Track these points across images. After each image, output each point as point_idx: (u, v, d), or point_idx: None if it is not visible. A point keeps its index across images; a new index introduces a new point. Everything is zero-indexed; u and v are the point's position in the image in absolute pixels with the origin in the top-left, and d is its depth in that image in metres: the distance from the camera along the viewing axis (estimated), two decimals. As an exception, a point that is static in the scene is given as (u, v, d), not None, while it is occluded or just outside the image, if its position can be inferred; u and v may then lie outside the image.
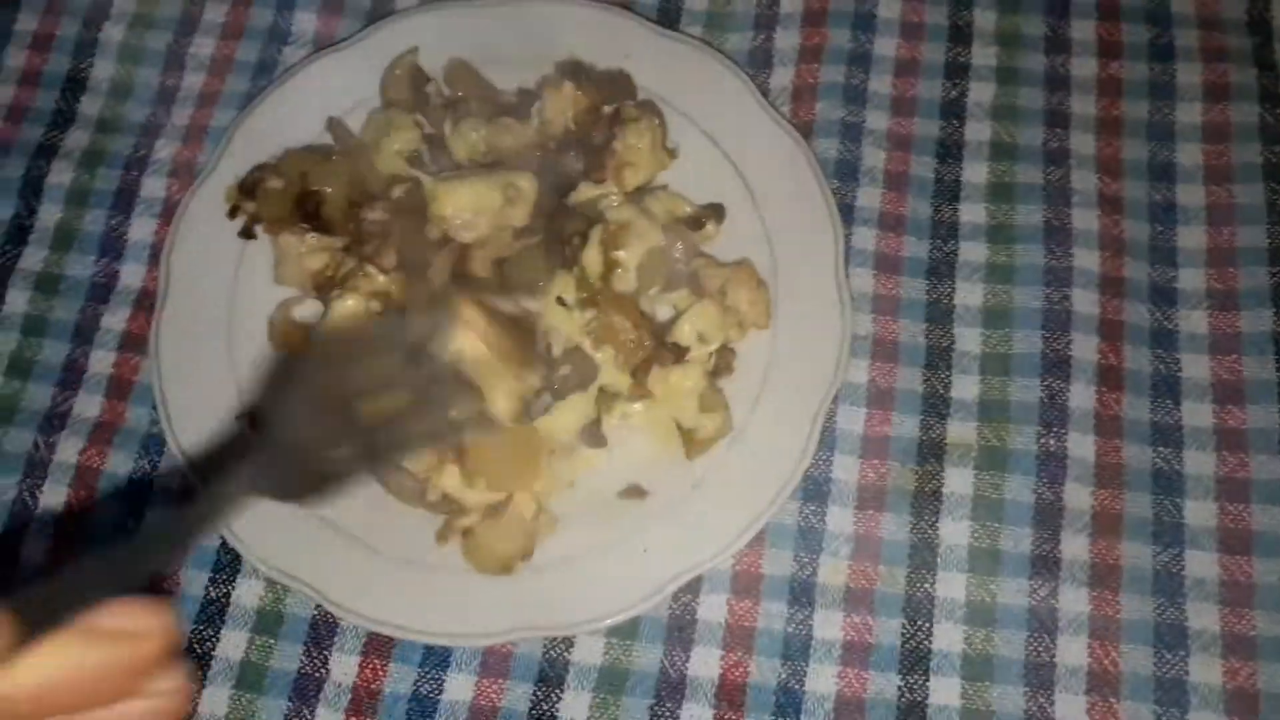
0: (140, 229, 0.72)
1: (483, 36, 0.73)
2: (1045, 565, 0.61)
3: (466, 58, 0.72)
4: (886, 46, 0.74)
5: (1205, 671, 0.58)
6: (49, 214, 0.72)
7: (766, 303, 0.65)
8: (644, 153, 0.66)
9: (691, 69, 0.71)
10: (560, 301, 0.63)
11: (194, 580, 0.63)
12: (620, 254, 0.62)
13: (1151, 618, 0.59)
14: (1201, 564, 0.60)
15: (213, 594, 0.62)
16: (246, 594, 0.62)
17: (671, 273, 0.64)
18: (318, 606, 0.61)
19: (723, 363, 0.64)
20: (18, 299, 0.70)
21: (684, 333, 0.62)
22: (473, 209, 0.63)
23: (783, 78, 0.74)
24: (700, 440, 0.62)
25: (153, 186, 0.73)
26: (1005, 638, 0.59)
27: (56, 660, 0.34)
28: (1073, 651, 0.59)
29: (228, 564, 0.63)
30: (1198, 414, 0.63)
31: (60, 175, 0.73)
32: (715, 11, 0.76)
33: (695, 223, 0.66)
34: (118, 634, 0.35)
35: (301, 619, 0.62)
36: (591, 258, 0.63)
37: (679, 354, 0.62)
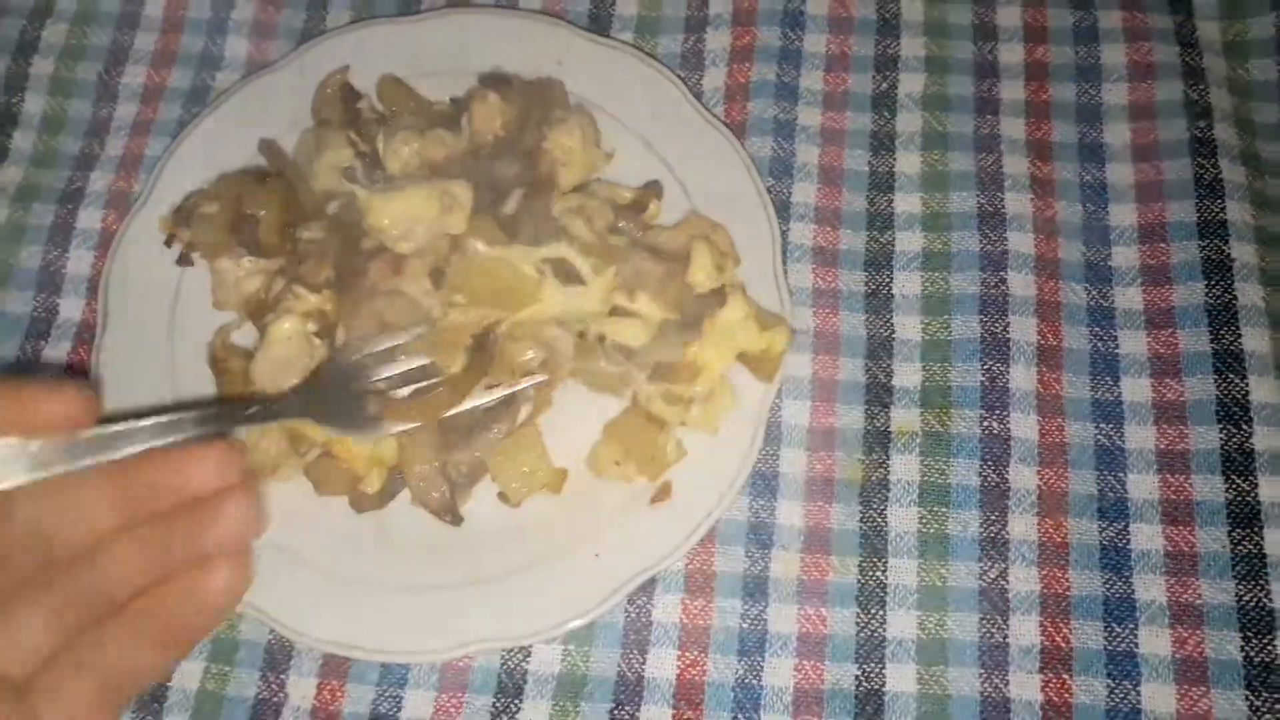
0: (78, 262, 0.71)
1: (415, 51, 0.73)
2: (994, 547, 0.61)
3: (398, 73, 0.72)
4: (816, 43, 0.75)
5: (1154, 642, 0.59)
6: (-15, 252, 0.71)
7: (729, 239, 0.65)
8: (576, 150, 0.66)
9: (623, 74, 0.71)
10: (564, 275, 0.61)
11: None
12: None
13: (1100, 592, 0.60)
14: (1146, 536, 0.61)
15: (166, 625, 0.62)
16: (199, 623, 0.62)
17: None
18: (272, 630, 0.60)
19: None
20: (-44, 339, 0.69)
21: (704, 275, 0.61)
22: (409, 219, 0.62)
23: (715, 78, 0.74)
24: (774, 356, 0.61)
25: (89, 219, 0.72)
26: (958, 621, 0.60)
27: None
28: (1025, 631, 0.59)
29: (180, 594, 0.62)
30: (1136, 389, 0.64)
31: (-6, 213, 0.72)
32: (645, 16, 0.76)
33: (638, 206, 0.67)
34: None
35: (257, 644, 0.61)
36: (578, 228, 0.62)
37: (720, 296, 0.61)
